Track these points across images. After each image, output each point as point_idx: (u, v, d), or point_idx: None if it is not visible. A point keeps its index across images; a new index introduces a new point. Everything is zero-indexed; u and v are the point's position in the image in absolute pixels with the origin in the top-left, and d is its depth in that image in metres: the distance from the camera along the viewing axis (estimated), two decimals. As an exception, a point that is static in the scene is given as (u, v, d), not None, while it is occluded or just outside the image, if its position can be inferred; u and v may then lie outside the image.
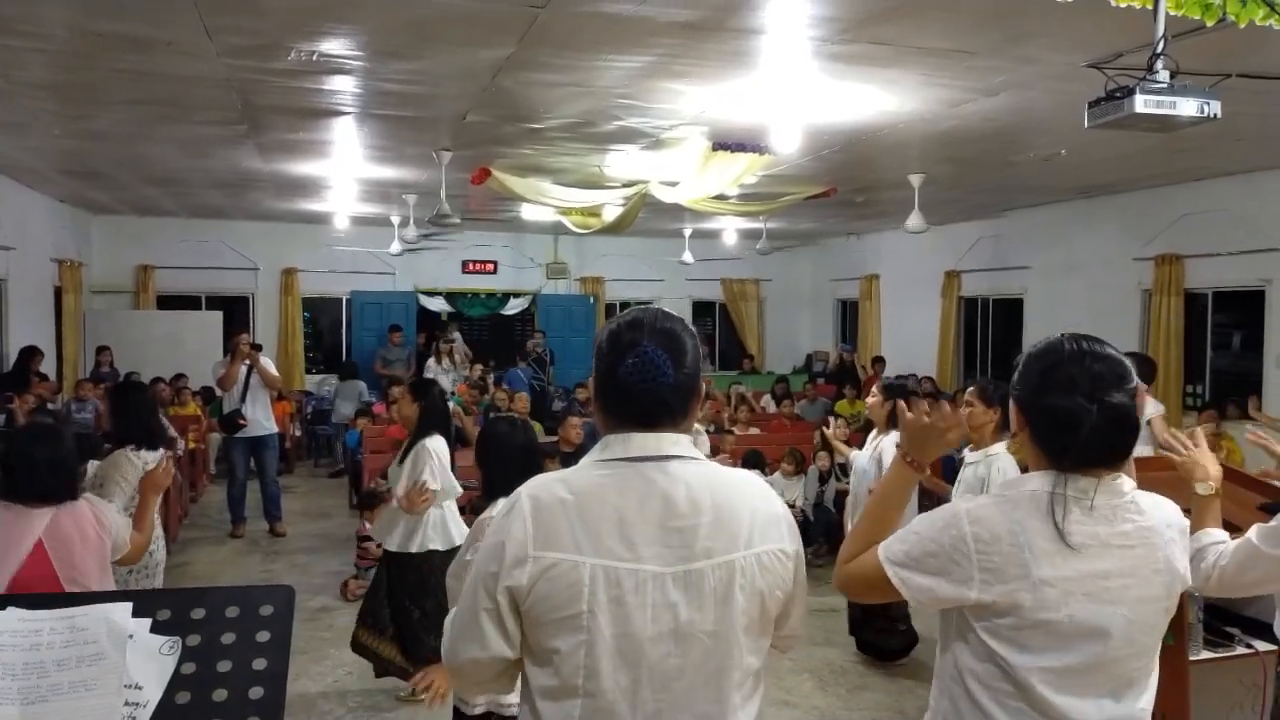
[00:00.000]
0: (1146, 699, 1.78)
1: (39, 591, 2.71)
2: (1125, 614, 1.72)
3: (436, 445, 4.83)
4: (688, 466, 1.62)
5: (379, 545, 5.44)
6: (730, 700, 1.59)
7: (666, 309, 1.73)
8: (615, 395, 1.63)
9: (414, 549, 4.79)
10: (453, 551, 4.41)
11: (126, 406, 4.56)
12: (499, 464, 3.09)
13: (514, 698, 2.86)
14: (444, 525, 4.86)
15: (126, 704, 1.59)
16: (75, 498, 3.13)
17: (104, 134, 7.46)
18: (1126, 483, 1.78)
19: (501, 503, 3.15)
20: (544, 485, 1.62)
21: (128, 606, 1.68)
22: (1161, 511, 1.81)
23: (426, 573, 4.76)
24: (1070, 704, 1.71)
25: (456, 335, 13.88)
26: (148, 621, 1.67)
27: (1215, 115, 3.77)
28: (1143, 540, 1.75)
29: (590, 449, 1.70)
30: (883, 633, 5.69)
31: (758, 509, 1.64)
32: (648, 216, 10.91)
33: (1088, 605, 1.70)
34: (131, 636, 1.65)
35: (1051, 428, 1.74)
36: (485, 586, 1.58)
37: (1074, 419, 1.70)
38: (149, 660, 1.64)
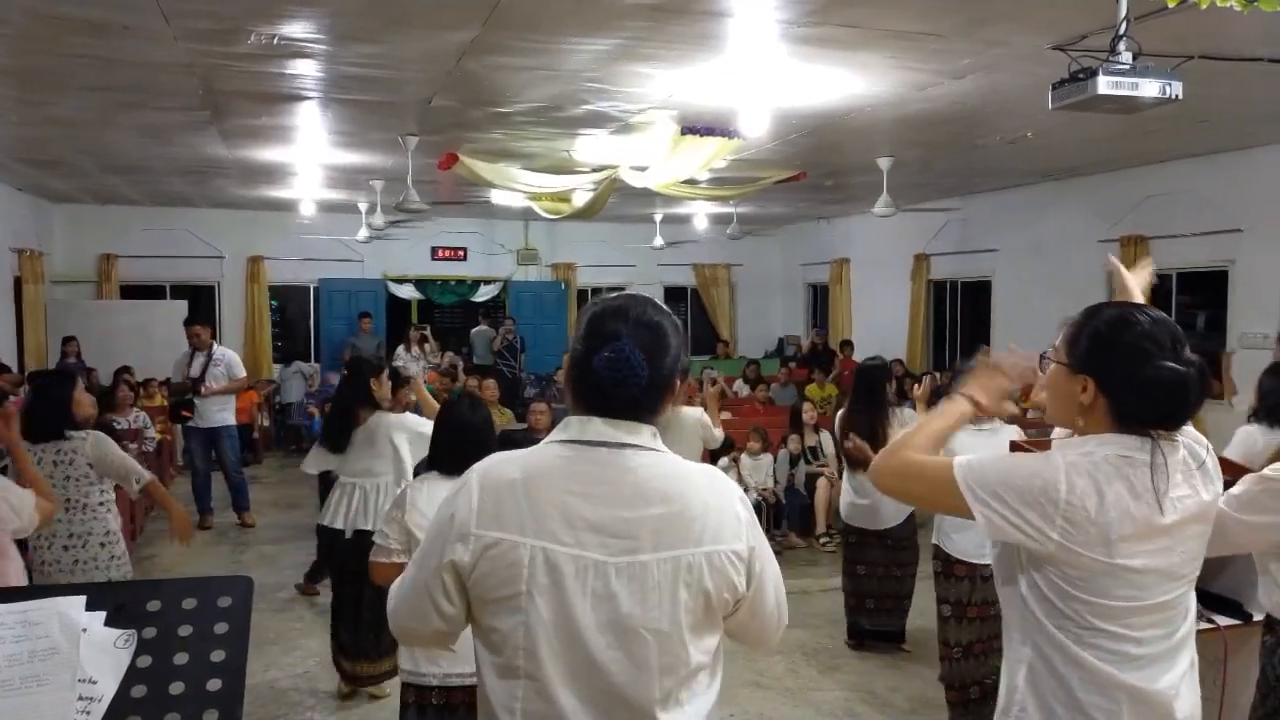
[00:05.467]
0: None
1: None
2: (1185, 551, 1.83)
3: None
4: (643, 456, 1.57)
5: None
6: (674, 696, 1.54)
7: (656, 300, 1.68)
8: (585, 384, 1.59)
9: None
10: None
11: (50, 400, 4.24)
12: (440, 438, 3.28)
13: (465, 667, 2.93)
14: None
15: (80, 699, 1.56)
16: None
17: (64, 121, 7.32)
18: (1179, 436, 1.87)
19: (431, 474, 3.28)
20: (495, 464, 1.62)
21: (81, 600, 1.64)
22: (1199, 444, 1.89)
23: None
24: (1145, 636, 1.80)
25: (426, 327, 13.82)
26: (102, 615, 1.64)
27: (1177, 96, 3.80)
28: (1195, 491, 1.84)
29: None
30: (889, 614, 5.61)
31: (711, 505, 1.58)
32: (618, 202, 10.87)
33: (1157, 557, 1.79)
34: (85, 630, 1.62)
35: (1158, 398, 1.79)
36: (430, 561, 1.61)
37: (1183, 386, 1.77)
38: (103, 654, 1.60)
